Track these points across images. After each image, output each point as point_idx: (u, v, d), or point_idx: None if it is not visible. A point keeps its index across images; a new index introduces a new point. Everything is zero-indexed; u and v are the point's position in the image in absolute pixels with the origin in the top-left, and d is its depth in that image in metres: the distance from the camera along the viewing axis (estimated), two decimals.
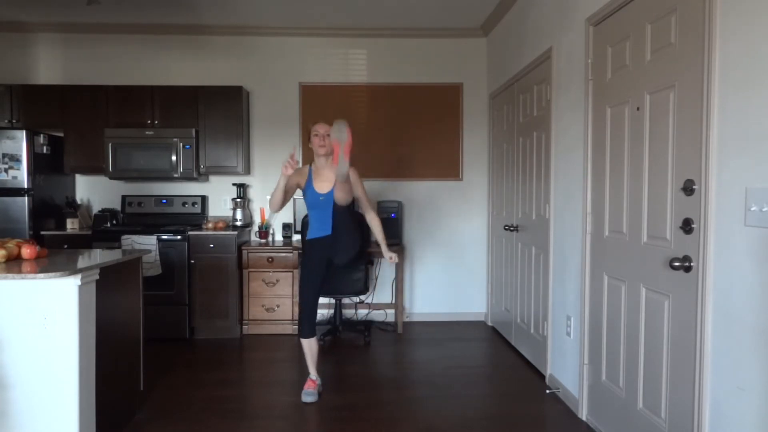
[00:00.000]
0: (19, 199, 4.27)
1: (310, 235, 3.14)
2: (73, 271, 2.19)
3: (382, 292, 5.00)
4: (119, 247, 4.28)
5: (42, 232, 4.38)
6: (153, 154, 4.50)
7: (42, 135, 4.45)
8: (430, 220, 5.07)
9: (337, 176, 2.92)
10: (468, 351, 4.11)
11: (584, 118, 2.83)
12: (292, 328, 4.53)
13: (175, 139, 4.50)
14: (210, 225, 4.63)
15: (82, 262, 2.45)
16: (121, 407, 2.78)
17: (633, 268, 2.36)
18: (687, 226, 1.95)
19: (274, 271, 4.52)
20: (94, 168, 4.60)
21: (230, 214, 4.90)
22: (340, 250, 3.11)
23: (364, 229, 3.48)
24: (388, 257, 3.19)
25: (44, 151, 4.46)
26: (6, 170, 4.25)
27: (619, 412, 2.49)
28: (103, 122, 4.58)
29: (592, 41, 2.76)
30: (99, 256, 2.70)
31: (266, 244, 4.68)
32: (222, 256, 4.39)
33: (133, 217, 4.84)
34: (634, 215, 2.35)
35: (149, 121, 4.60)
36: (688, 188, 1.94)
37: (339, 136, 2.84)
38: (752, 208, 1.64)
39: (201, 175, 4.69)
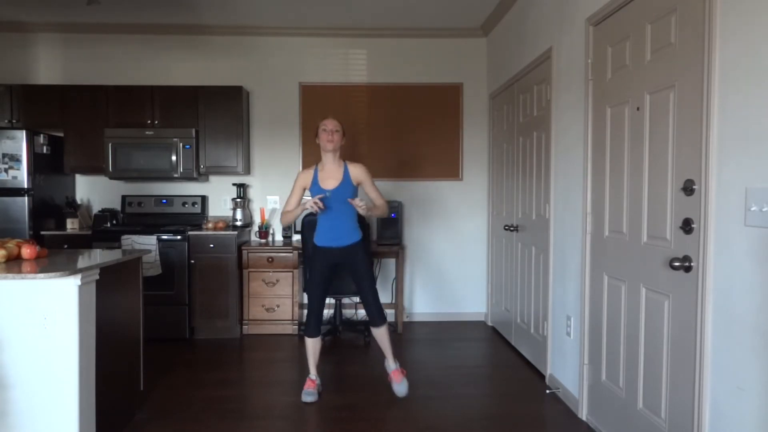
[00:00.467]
0: (19, 199, 4.27)
1: (319, 242, 3.13)
2: (73, 271, 2.19)
3: (382, 292, 4.95)
4: (119, 247, 4.28)
5: (42, 232, 4.38)
6: (153, 154, 4.50)
7: (42, 135, 4.45)
8: (430, 220, 5.07)
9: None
10: (468, 351, 4.11)
11: (584, 118, 2.83)
12: (292, 328, 4.53)
13: (175, 139, 4.50)
14: (210, 225, 4.63)
15: (82, 262, 2.45)
16: (121, 407, 2.78)
17: (633, 268, 2.36)
18: (687, 226, 1.95)
19: (274, 271, 4.52)
20: (94, 168, 4.60)
21: (230, 214, 4.90)
22: (350, 263, 3.13)
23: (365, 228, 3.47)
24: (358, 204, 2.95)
25: (44, 151, 4.46)
26: (6, 170, 4.25)
27: (619, 412, 2.49)
28: (103, 122, 4.58)
29: (592, 41, 2.76)
30: (99, 256, 2.70)
31: (266, 244, 4.68)
32: (222, 256, 4.39)
33: (133, 217, 4.84)
34: (634, 215, 2.35)
35: (149, 121, 4.60)
36: (688, 188, 1.94)
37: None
38: (752, 208, 1.64)
39: (201, 175, 4.69)
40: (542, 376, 3.49)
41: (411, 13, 4.54)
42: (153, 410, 2.97)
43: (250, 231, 4.99)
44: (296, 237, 4.86)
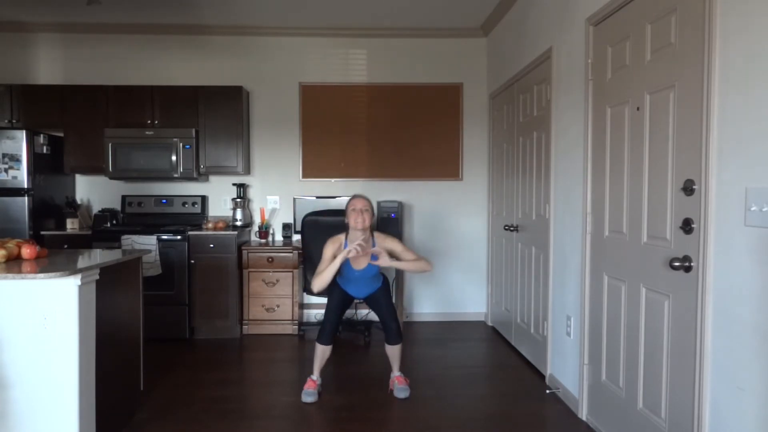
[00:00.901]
0: (19, 199, 4.27)
1: (345, 288, 3.19)
2: (73, 271, 2.19)
3: None
4: (119, 247, 4.28)
5: (42, 232, 4.38)
6: (153, 154, 4.50)
7: (42, 135, 4.45)
8: (430, 220, 5.07)
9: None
10: (468, 351, 4.11)
11: (584, 118, 2.83)
12: (292, 328, 4.53)
13: (175, 139, 4.50)
14: (210, 225, 4.62)
15: (82, 262, 2.45)
16: (121, 407, 2.78)
17: (633, 268, 2.36)
18: (687, 226, 1.95)
19: (274, 271, 4.52)
20: (94, 168, 4.60)
21: (230, 214, 4.90)
22: (370, 297, 3.22)
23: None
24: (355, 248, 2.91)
25: (44, 151, 4.46)
26: (6, 170, 4.25)
27: (619, 412, 2.49)
28: (103, 122, 4.58)
29: (592, 41, 2.76)
30: (99, 256, 2.70)
31: (266, 244, 4.68)
32: (222, 256, 4.39)
33: (133, 217, 4.84)
34: (634, 215, 2.35)
35: (149, 121, 4.60)
36: (688, 188, 1.94)
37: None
38: (752, 208, 1.64)
39: (201, 175, 4.69)
40: (542, 376, 3.49)
41: (411, 13, 4.54)
42: (153, 410, 2.97)
43: (250, 231, 4.99)
44: (296, 237, 4.86)
